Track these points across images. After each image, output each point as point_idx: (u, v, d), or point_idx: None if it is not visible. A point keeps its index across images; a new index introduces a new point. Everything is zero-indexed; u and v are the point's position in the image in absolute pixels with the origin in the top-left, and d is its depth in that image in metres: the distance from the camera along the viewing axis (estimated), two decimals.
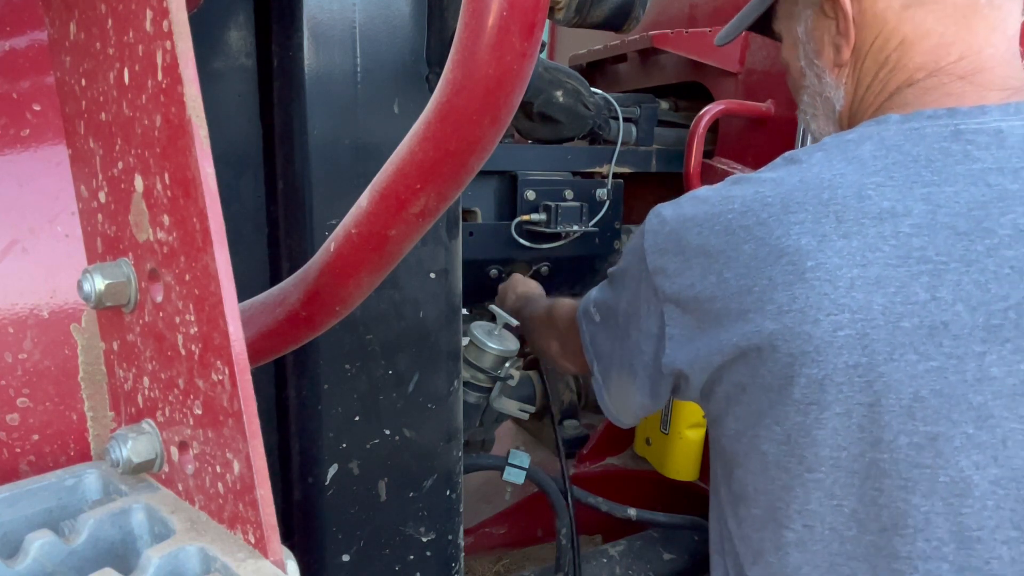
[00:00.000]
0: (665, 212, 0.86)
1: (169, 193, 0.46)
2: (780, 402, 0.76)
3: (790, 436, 0.77)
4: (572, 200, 1.60)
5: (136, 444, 0.51)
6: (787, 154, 0.84)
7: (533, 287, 1.46)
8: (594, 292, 1.05)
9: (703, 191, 0.85)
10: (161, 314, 0.49)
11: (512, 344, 1.41)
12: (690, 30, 1.72)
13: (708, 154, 1.71)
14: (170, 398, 0.50)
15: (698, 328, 0.82)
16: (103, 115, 0.52)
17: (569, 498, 1.63)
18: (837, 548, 0.78)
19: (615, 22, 1.10)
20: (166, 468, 0.52)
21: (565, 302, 1.21)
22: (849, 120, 0.92)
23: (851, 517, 0.77)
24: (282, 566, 0.44)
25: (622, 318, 0.94)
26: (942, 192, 0.72)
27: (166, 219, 0.47)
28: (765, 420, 0.79)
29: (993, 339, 0.69)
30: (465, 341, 1.36)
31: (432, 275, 0.97)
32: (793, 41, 0.95)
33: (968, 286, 0.69)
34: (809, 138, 1.52)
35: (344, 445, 0.96)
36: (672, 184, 1.78)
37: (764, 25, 1.02)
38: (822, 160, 0.78)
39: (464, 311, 1.13)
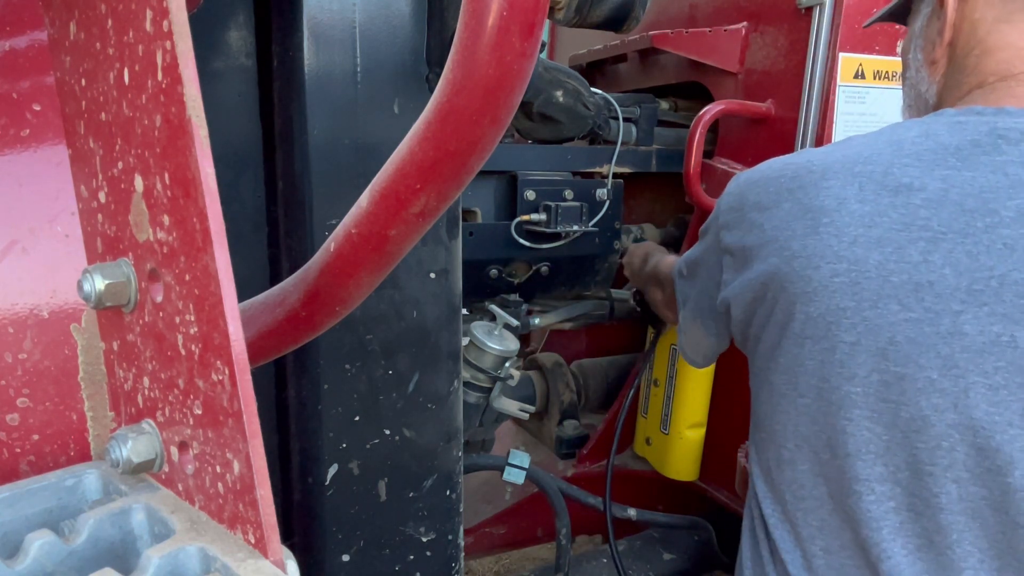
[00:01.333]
0: (741, 176, 0.99)
1: (169, 193, 0.46)
2: (784, 336, 0.88)
3: (790, 367, 0.89)
4: (572, 200, 1.60)
5: (136, 444, 0.51)
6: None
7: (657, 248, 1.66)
8: (688, 251, 1.20)
9: (777, 159, 0.96)
10: (161, 314, 0.49)
11: (512, 344, 1.40)
12: (690, 30, 1.71)
13: (708, 154, 1.71)
14: (170, 398, 0.50)
15: (739, 271, 0.95)
16: (103, 115, 0.52)
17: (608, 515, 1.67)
18: (817, 469, 0.89)
19: (615, 22, 1.10)
20: (166, 468, 0.52)
21: (670, 260, 1.42)
22: None
23: (827, 443, 0.87)
24: (282, 566, 0.44)
25: (700, 268, 1.10)
26: (960, 175, 0.79)
27: (166, 219, 0.47)
28: (775, 354, 0.91)
29: (972, 301, 0.76)
30: (465, 341, 1.36)
31: (432, 275, 0.97)
32: (911, 35, 1.02)
33: (959, 254, 0.76)
34: (809, 138, 1.53)
35: (344, 445, 0.96)
36: (672, 184, 1.77)
37: (902, 17, 1.09)
38: (870, 140, 0.87)
39: (464, 311, 1.13)
